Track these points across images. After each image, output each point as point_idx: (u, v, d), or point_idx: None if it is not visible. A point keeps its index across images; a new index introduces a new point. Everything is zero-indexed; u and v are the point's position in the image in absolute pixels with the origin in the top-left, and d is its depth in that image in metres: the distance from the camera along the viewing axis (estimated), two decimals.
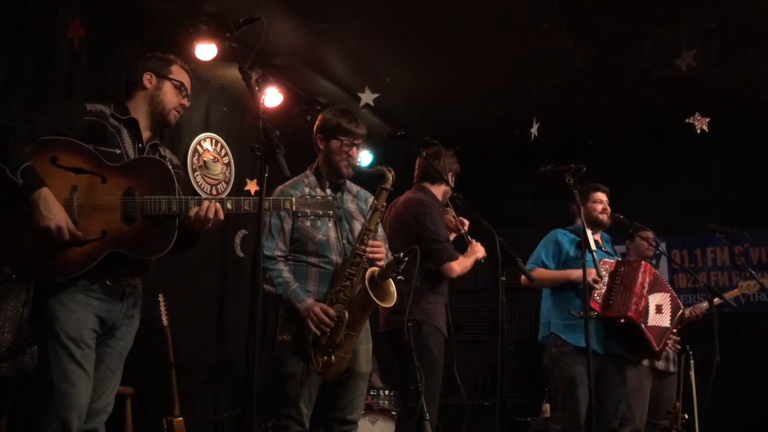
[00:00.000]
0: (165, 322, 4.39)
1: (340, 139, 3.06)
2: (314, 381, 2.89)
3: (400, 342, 3.44)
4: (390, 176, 3.03)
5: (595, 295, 4.01)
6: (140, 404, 4.20)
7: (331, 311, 2.83)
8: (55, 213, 2.25)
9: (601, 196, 4.35)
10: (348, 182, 3.20)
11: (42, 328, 2.36)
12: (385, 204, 3.03)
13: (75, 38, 4.19)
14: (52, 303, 2.33)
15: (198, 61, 4.80)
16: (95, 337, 2.42)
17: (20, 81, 3.86)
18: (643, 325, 4.00)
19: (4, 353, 3.27)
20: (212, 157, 5.40)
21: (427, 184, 3.85)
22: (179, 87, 2.64)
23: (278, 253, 2.96)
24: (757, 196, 6.16)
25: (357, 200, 3.19)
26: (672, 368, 4.84)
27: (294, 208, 2.55)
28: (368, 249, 2.92)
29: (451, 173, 3.80)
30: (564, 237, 4.26)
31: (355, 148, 3.08)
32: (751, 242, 5.98)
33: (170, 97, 2.62)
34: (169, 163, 2.56)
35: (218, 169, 5.43)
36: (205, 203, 2.45)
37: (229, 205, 2.50)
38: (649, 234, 4.94)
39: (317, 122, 3.17)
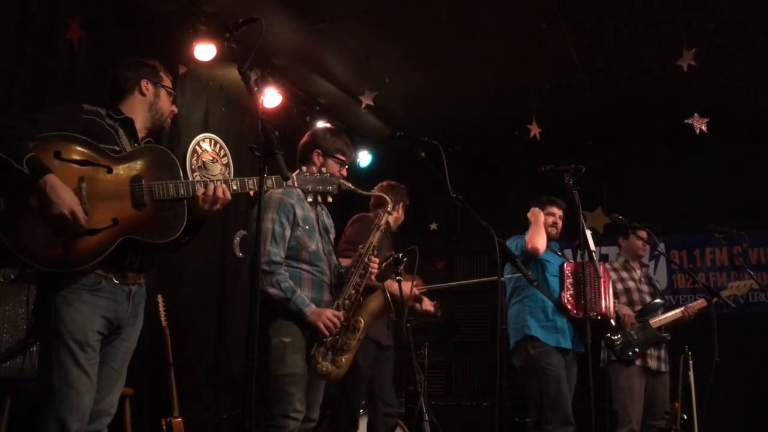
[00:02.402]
0: (164, 322, 4.38)
1: (338, 158, 3.30)
2: (303, 381, 3.00)
3: None
4: (390, 201, 3.38)
5: (568, 296, 4.29)
6: (139, 405, 4.19)
7: (342, 316, 3.04)
8: (65, 197, 2.22)
9: (556, 210, 4.58)
10: None
11: (46, 328, 2.32)
12: (384, 224, 3.31)
13: (74, 39, 4.19)
14: (58, 302, 2.30)
15: (197, 62, 4.81)
16: (100, 339, 2.40)
17: (20, 81, 3.85)
18: (612, 320, 4.44)
19: (3, 354, 3.26)
20: (211, 158, 5.40)
21: (380, 211, 4.21)
22: (171, 94, 2.73)
23: (281, 259, 3.07)
24: (756, 197, 6.16)
25: (327, 216, 3.41)
26: (663, 368, 4.76)
27: (296, 185, 2.70)
28: (372, 264, 3.18)
29: (401, 203, 4.33)
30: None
31: (345, 168, 3.33)
32: (750, 243, 5.98)
33: (166, 104, 2.71)
34: None
35: (217, 169, 5.43)
36: (211, 184, 2.50)
37: (234, 186, 2.56)
38: (644, 234, 4.92)
39: (316, 137, 3.35)
